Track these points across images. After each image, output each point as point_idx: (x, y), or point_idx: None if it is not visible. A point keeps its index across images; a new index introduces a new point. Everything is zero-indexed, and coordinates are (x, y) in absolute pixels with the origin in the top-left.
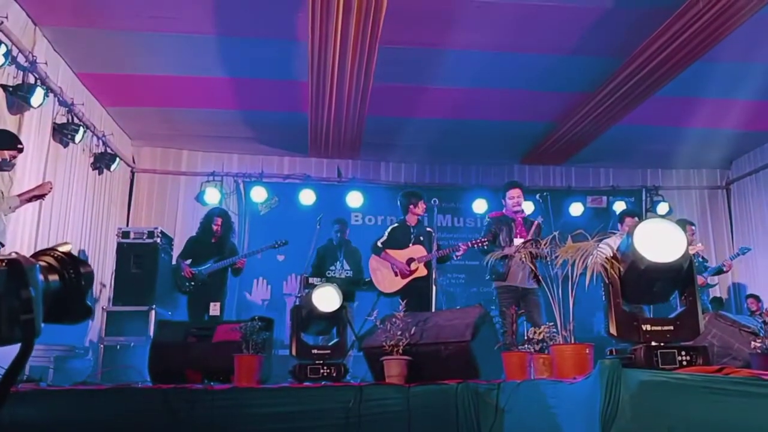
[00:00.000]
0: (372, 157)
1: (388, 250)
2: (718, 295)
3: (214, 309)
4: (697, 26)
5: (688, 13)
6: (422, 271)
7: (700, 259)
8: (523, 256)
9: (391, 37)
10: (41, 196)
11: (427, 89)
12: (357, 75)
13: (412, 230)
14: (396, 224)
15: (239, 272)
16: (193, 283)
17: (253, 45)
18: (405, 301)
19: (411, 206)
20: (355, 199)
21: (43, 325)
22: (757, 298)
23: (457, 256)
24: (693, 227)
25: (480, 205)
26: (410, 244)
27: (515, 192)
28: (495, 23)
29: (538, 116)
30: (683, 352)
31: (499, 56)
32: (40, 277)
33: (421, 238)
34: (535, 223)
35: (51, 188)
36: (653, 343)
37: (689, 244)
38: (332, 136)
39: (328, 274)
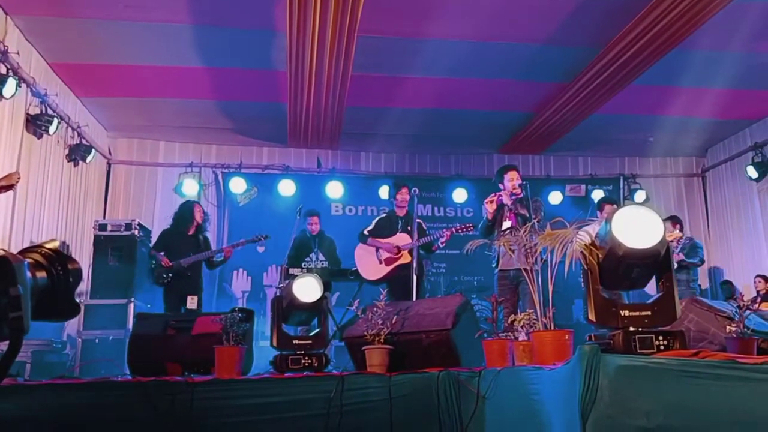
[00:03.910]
0: (352, 147)
1: (373, 237)
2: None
3: (192, 302)
4: (672, 15)
5: (664, 2)
6: (407, 258)
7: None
8: (503, 243)
9: (369, 26)
10: (9, 187)
11: (406, 79)
12: (336, 65)
13: (399, 220)
14: (384, 214)
15: (216, 265)
16: (171, 275)
17: (230, 34)
18: (387, 290)
19: (392, 198)
20: (335, 189)
21: (31, 322)
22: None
23: (442, 243)
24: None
25: (460, 195)
26: (396, 233)
27: (514, 174)
28: (473, 12)
29: (516, 106)
30: (660, 337)
31: (478, 46)
32: (28, 274)
33: (409, 228)
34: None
35: (19, 178)
36: (631, 329)
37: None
38: (311, 127)
39: (304, 265)
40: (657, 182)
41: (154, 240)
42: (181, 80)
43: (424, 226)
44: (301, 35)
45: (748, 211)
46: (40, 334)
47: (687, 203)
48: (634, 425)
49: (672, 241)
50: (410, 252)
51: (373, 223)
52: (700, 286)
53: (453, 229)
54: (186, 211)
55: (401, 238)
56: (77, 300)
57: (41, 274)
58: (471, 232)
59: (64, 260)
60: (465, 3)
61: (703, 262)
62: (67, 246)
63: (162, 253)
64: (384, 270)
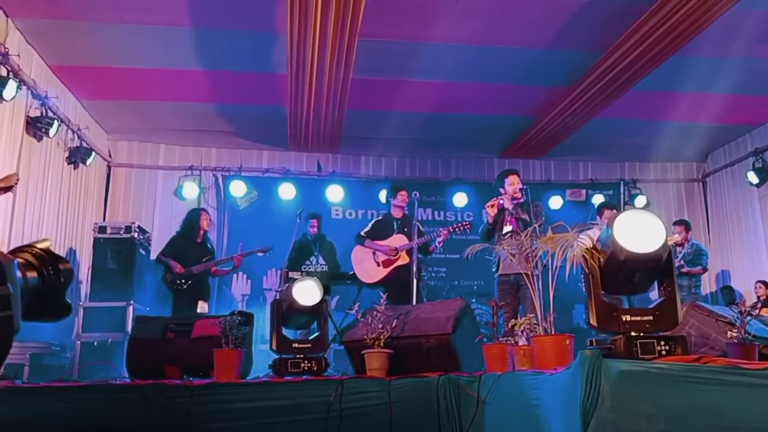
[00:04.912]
0: (352, 151)
1: (370, 239)
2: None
3: (203, 307)
4: (673, 20)
5: (665, 7)
6: (404, 259)
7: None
8: (504, 247)
9: (370, 30)
10: (8, 189)
11: (407, 83)
12: (336, 68)
13: (396, 222)
14: (380, 217)
15: (219, 274)
16: (184, 280)
17: (231, 37)
18: (387, 294)
19: (392, 199)
20: (335, 193)
21: (21, 322)
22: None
23: (439, 243)
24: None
25: (460, 199)
26: (393, 235)
27: (515, 178)
28: (474, 16)
29: (517, 110)
30: (662, 342)
31: (479, 50)
32: (18, 273)
33: (405, 229)
34: (534, 204)
35: (17, 180)
36: (633, 334)
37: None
38: (312, 130)
39: (304, 268)
40: (657, 187)
41: (153, 243)
42: (181, 83)
43: (422, 228)
44: (301, 38)
45: (749, 217)
46: (38, 336)
47: (687, 208)
48: (635, 431)
49: (676, 245)
50: (408, 253)
51: (370, 225)
52: (701, 292)
53: (450, 228)
54: (193, 219)
55: (398, 240)
56: (68, 300)
57: (32, 274)
58: (468, 231)
59: (55, 260)
60: (465, 7)
61: (705, 269)
62: (72, 249)
63: (170, 259)
64: (382, 272)
